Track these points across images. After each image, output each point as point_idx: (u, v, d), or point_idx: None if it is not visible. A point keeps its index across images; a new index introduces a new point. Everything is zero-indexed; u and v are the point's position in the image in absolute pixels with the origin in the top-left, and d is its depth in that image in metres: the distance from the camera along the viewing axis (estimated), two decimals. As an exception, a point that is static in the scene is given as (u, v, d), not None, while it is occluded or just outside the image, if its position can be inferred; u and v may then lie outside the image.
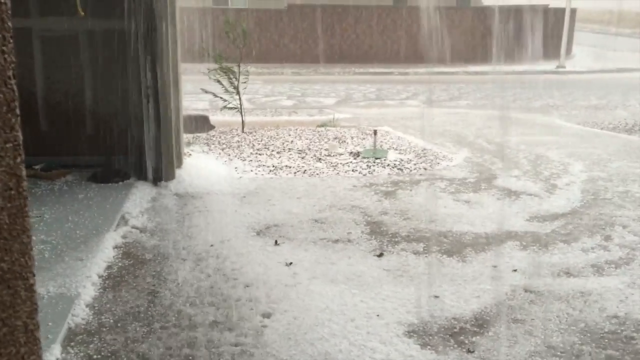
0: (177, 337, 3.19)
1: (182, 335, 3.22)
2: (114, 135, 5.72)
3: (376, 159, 7.24)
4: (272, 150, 7.60)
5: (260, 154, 7.39)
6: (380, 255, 4.35)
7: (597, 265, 4.20)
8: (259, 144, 7.99)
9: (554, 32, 22.00)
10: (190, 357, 3.01)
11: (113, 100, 5.72)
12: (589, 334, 3.30)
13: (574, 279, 3.99)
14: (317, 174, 6.56)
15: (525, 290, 3.81)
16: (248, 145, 7.88)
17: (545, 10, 22.72)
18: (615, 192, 5.92)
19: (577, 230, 4.86)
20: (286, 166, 6.86)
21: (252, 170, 6.64)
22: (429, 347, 3.17)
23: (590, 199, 5.68)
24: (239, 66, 8.55)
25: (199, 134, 8.48)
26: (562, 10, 21.21)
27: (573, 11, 22.35)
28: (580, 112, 11.96)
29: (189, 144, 7.53)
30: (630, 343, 3.21)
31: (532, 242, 4.60)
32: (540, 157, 7.49)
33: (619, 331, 3.33)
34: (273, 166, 6.85)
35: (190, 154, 6.91)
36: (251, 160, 7.06)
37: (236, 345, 3.13)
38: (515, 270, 4.11)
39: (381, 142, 8.06)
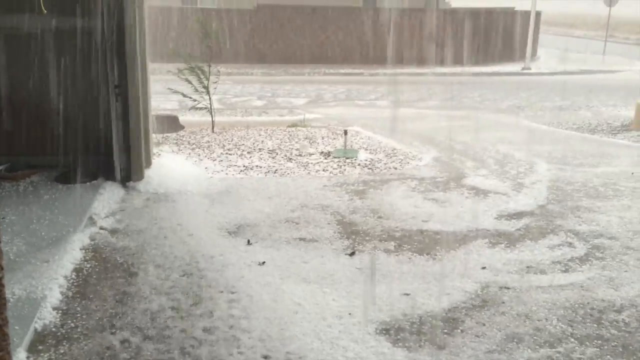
0: (147, 345, 3.15)
1: (154, 342, 3.18)
2: (81, 135, 5.61)
3: (347, 158, 7.26)
4: (243, 150, 7.56)
5: (230, 154, 7.34)
6: (352, 254, 4.37)
7: (563, 262, 4.29)
8: (229, 144, 7.94)
9: (520, 34, 22.39)
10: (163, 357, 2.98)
11: (80, 99, 5.62)
12: (557, 330, 3.36)
13: (541, 275, 4.07)
14: (288, 173, 6.55)
15: (494, 287, 3.87)
16: (218, 145, 7.83)
17: (511, 13, 23.11)
18: (580, 190, 6.05)
19: (544, 228, 4.96)
20: (257, 166, 6.83)
21: (222, 170, 6.60)
22: (400, 344, 3.20)
23: (555, 197, 5.80)
24: (209, 66, 8.48)
25: (168, 134, 8.39)
26: (528, 14, 21.58)
27: (538, 14, 22.76)
28: (545, 112, 12.19)
29: (158, 144, 7.44)
30: (596, 344, 3.29)
31: (501, 240, 4.68)
32: (507, 156, 7.62)
33: (588, 326, 3.40)
34: (244, 166, 6.81)
35: (159, 154, 6.83)
36: (221, 160, 7.02)
37: (211, 344, 3.11)
38: (484, 268, 4.17)
39: (352, 142, 8.09)
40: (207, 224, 4.89)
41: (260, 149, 7.70)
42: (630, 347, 3.20)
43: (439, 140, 8.65)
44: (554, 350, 3.15)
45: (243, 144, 7.93)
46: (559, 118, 11.47)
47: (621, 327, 3.41)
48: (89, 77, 5.57)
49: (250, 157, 7.26)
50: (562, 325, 3.41)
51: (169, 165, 6.46)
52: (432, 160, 7.36)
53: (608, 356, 3.11)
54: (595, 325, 3.43)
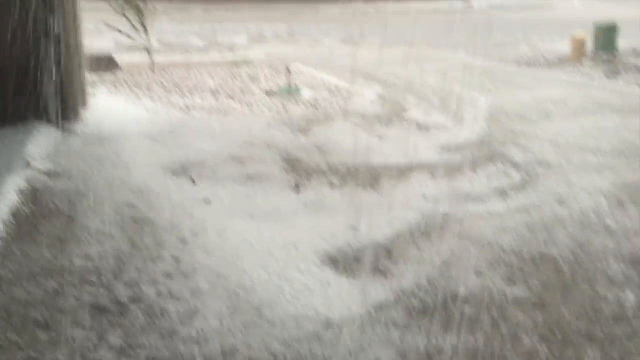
0: (87, 288, 3.12)
1: (94, 286, 3.15)
2: (10, 75, 5.32)
3: (290, 96, 7.21)
4: (184, 90, 7.38)
5: (171, 94, 7.16)
6: (297, 189, 4.41)
7: (500, 190, 4.46)
8: (170, 84, 7.73)
9: (462, -31, 22.31)
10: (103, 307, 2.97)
11: (8, 37, 5.28)
12: (492, 253, 3.52)
13: (481, 203, 4.22)
14: (232, 112, 6.47)
15: (436, 216, 3.99)
16: (158, 85, 7.61)
17: (453, -53, 22.93)
18: (516, 121, 6.24)
19: (483, 158, 5.11)
20: (199, 106, 6.70)
21: (163, 111, 6.44)
22: (345, 273, 3.29)
23: (494, 128, 5.96)
24: (144, 1, 8.11)
25: (104, 74, 8.07)
26: (469, -53, 21.49)
27: (479, -52, 22.73)
28: (485, 48, 12.33)
29: (94, 84, 7.16)
30: (524, 260, 3.47)
31: (442, 171, 4.80)
32: (448, 91, 7.72)
33: (522, 250, 3.58)
34: (185, 106, 6.67)
35: (95, 95, 6.58)
36: (162, 101, 6.84)
37: (158, 284, 3.11)
38: (425, 198, 4.29)
39: (295, 80, 8.01)
40: (150, 164, 4.80)
41: (201, 88, 7.53)
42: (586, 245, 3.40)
43: (381, 76, 8.67)
44: (502, 260, 3.30)
45: (184, 84, 7.74)
46: (499, 53, 11.64)
47: (571, 236, 3.60)
48: (17, 13, 5.23)
49: (192, 97, 7.10)
50: (509, 242, 3.55)
51: (106, 105, 6.26)
52: (376, 96, 7.40)
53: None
54: (546, 233, 3.62)
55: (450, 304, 2.93)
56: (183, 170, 4.70)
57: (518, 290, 3.07)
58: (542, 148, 5.38)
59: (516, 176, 4.71)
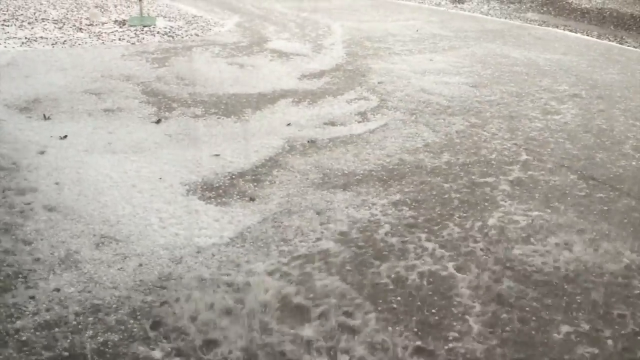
0: (-63, 226, 2.88)
1: (-57, 222, 2.91)
2: None
3: (144, 27, 6.85)
4: (22, 21, 6.73)
5: (7, 25, 6.51)
6: (159, 121, 4.29)
7: (360, 113, 4.65)
8: (5, 14, 7.00)
9: None
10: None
11: None
12: (354, 172, 3.72)
13: (342, 126, 4.39)
14: (80, 44, 6.03)
15: (300, 141, 4.10)
16: (-9, 16, 6.86)
17: None
18: (372, 48, 6.45)
19: (342, 84, 5.27)
20: (42, 37, 6.16)
21: (0, 43, 5.85)
22: (213, 201, 3.31)
23: (352, 56, 6.13)
24: None
25: None
26: None
27: None
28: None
29: None
30: (391, 172, 3.71)
31: (304, 98, 4.90)
32: (306, 20, 7.76)
33: (386, 164, 3.81)
34: (26, 38, 6.10)
35: None
36: (-3, 33, 6.21)
37: (18, 224, 2.94)
38: (289, 124, 4.37)
39: (148, 9, 7.60)
40: (-10, 102, 4.40)
41: (43, 19, 6.92)
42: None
43: (239, 6, 8.48)
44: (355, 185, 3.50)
45: (21, 14, 7.05)
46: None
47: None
48: None
49: (32, 28, 6.51)
50: (360, 168, 3.77)
51: None
52: (235, 26, 7.25)
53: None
54: (393, 165, 3.85)
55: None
56: (32, 106, 4.37)
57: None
58: (398, 70, 5.64)
59: (370, 102, 4.91)
